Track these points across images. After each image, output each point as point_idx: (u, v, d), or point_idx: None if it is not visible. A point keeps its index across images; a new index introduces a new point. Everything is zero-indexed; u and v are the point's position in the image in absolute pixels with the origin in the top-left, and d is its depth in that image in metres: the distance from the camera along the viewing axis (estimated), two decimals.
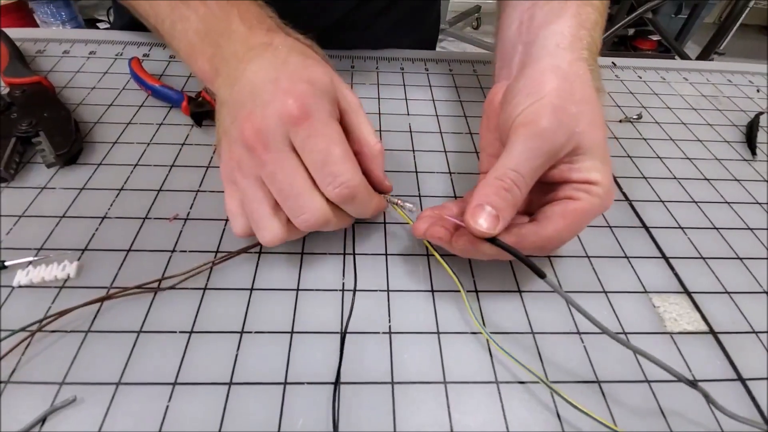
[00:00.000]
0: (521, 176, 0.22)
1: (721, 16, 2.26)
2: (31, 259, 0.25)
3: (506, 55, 0.28)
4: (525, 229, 0.23)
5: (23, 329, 0.22)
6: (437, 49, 0.58)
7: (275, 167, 0.22)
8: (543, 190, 0.25)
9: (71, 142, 0.31)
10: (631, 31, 2.15)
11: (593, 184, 0.23)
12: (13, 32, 0.42)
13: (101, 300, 0.24)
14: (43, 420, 0.20)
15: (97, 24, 1.69)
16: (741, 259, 0.30)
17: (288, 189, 0.22)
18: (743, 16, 2.03)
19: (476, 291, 0.26)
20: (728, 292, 0.27)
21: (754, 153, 0.39)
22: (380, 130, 0.37)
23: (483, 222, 0.22)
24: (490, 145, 0.27)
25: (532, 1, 0.27)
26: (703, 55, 1.22)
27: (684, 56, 1.25)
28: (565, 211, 0.23)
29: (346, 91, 0.25)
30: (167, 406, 0.20)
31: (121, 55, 0.43)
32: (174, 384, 0.21)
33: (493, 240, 0.22)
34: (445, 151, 0.36)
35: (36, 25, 1.51)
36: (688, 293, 0.27)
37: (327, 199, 0.23)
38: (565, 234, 0.23)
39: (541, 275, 0.21)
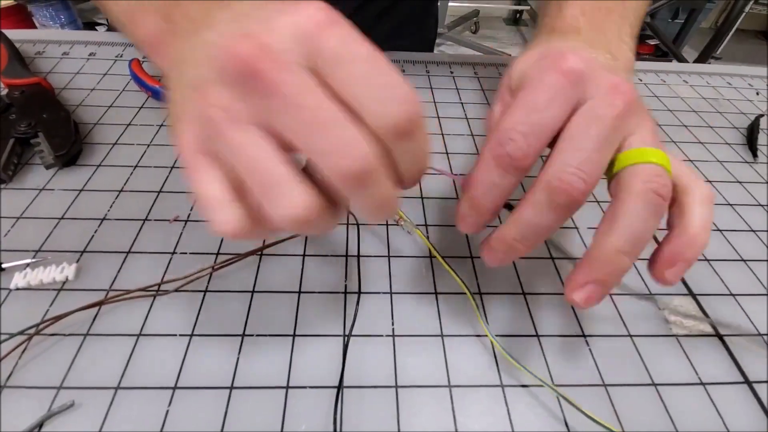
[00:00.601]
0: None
1: (717, 21, 2.27)
2: (29, 261, 0.25)
3: (540, 23, 0.27)
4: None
5: (21, 333, 0.22)
6: (436, 52, 0.58)
7: (298, 91, 0.14)
8: None
9: (70, 143, 0.31)
10: None
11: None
12: (12, 33, 0.42)
13: (100, 304, 0.23)
14: (40, 425, 0.19)
15: (96, 27, 1.69)
16: (745, 261, 0.29)
17: (324, 118, 0.14)
18: (739, 21, 2.06)
19: (480, 293, 0.26)
20: (733, 295, 0.27)
21: (755, 155, 0.39)
22: None
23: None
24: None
25: None
26: (701, 59, 1.23)
27: (682, 60, 1.26)
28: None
29: None
30: (167, 411, 0.20)
31: (121, 56, 0.43)
32: (174, 388, 0.21)
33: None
34: (447, 153, 0.36)
35: (35, 28, 1.51)
36: (694, 296, 0.27)
37: None
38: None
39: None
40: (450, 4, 2.05)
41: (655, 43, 1.92)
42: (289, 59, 0.14)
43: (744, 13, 2.00)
